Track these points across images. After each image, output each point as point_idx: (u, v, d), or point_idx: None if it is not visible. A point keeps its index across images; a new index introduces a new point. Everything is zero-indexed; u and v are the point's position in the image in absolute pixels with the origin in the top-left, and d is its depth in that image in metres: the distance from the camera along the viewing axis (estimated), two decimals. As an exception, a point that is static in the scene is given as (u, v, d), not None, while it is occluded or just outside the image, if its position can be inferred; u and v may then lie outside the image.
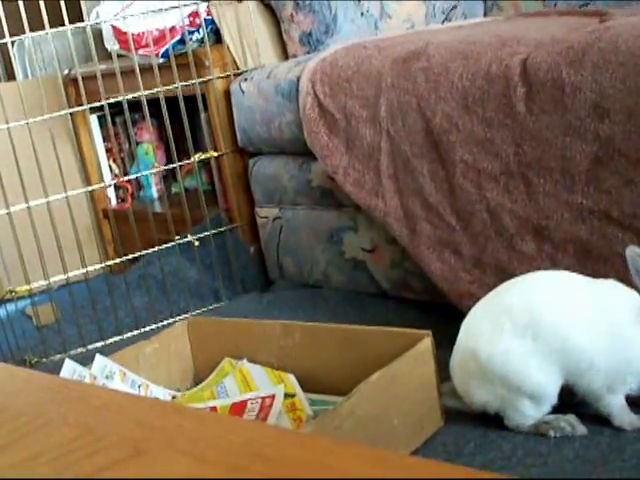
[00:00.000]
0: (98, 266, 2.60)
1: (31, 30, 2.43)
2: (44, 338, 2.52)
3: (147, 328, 2.53)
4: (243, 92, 2.58)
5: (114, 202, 3.29)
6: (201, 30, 2.70)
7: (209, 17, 2.73)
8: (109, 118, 2.61)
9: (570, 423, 1.58)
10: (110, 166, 3.28)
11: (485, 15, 2.98)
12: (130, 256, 2.62)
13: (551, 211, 1.86)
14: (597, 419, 1.60)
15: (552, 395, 1.58)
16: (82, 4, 3.30)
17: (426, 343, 1.65)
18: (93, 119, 3.19)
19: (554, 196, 1.86)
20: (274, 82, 2.48)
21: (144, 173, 2.88)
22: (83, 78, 2.53)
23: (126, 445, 0.79)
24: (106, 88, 2.53)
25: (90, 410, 0.91)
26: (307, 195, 2.48)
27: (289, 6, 2.72)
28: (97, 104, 2.57)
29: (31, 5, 2.41)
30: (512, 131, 1.90)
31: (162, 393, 1.90)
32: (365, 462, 0.72)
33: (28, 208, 2.44)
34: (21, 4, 2.37)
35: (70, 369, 1.82)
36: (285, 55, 2.80)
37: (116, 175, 3.25)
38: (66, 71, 3.00)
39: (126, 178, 3.05)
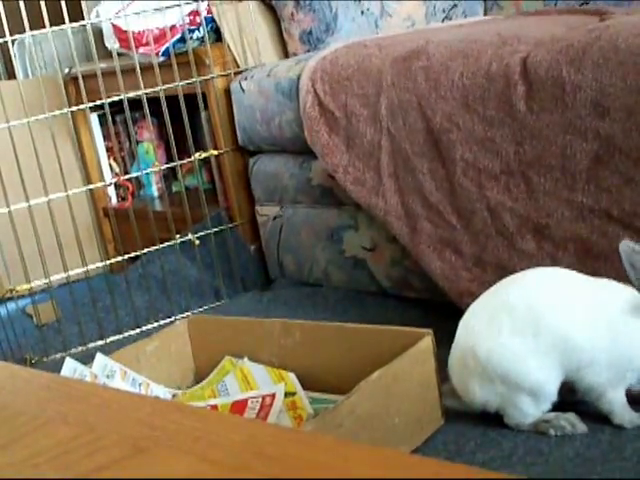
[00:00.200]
0: (98, 265, 2.60)
1: (31, 29, 2.43)
2: (44, 337, 2.53)
3: (147, 327, 2.53)
4: (243, 91, 2.58)
5: (114, 201, 3.29)
6: (201, 29, 2.70)
7: (209, 15, 2.73)
8: (109, 117, 2.61)
9: (570, 422, 1.58)
10: (110, 165, 3.28)
11: (485, 14, 2.98)
12: (130, 255, 2.62)
13: (551, 210, 1.86)
14: (597, 417, 1.60)
15: (552, 392, 1.58)
16: (82, 3, 3.31)
17: (427, 342, 1.65)
18: (93, 118, 3.19)
19: (554, 195, 1.86)
20: (274, 81, 2.48)
21: (144, 172, 2.88)
22: (83, 77, 2.53)
23: (126, 444, 0.79)
24: (106, 87, 2.53)
25: (90, 409, 0.91)
26: (307, 194, 2.48)
27: (289, 5, 2.72)
28: (97, 103, 2.57)
29: (31, 4, 2.42)
30: (512, 130, 1.90)
31: (163, 392, 1.90)
32: (366, 461, 0.72)
33: (29, 207, 2.44)
34: (21, 3, 2.37)
35: (71, 368, 1.82)
36: (285, 54, 2.79)
37: (116, 174, 3.25)
38: (66, 70, 3.00)
39: (126, 177, 3.05)
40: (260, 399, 1.74)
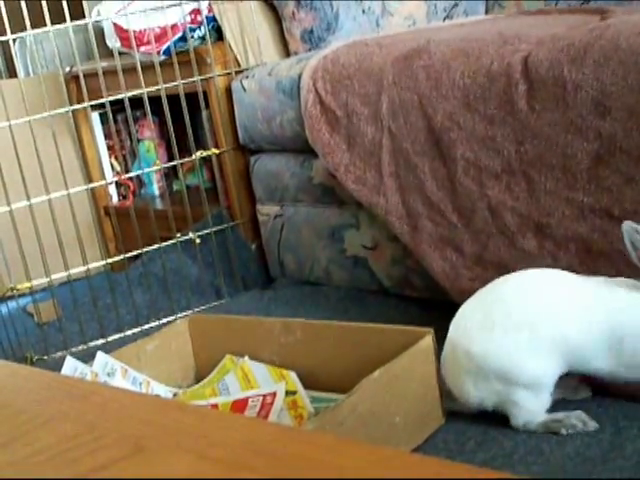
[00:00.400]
0: (99, 263, 2.60)
1: (33, 27, 2.43)
2: (45, 335, 2.53)
3: (148, 325, 2.54)
4: (244, 89, 2.58)
5: (115, 199, 3.29)
6: (202, 27, 2.70)
7: (210, 14, 2.73)
8: (110, 115, 2.61)
9: (581, 419, 1.59)
10: (111, 163, 3.28)
11: (486, 13, 2.98)
12: (131, 253, 2.62)
13: (552, 209, 1.86)
14: (598, 417, 1.60)
15: (550, 385, 1.59)
16: (84, 2, 3.31)
17: (427, 340, 1.66)
18: (94, 116, 3.19)
19: (555, 194, 1.86)
20: (275, 79, 2.48)
21: (145, 170, 2.89)
22: (84, 75, 2.53)
23: (127, 442, 0.79)
24: (108, 85, 2.54)
25: (91, 407, 0.91)
26: (308, 192, 2.48)
27: (290, 3, 2.72)
28: (98, 101, 2.57)
29: (33, 3, 2.42)
30: (513, 129, 1.90)
31: (163, 390, 1.91)
32: (366, 459, 0.72)
33: (29, 205, 2.44)
34: (23, 2, 2.37)
35: (71, 366, 1.82)
36: (286, 52, 2.79)
37: (117, 172, 3.25)
38: (67, 68, 3.00)
39: (127, 175, 3.05)
40: (261, 398, 1.74)
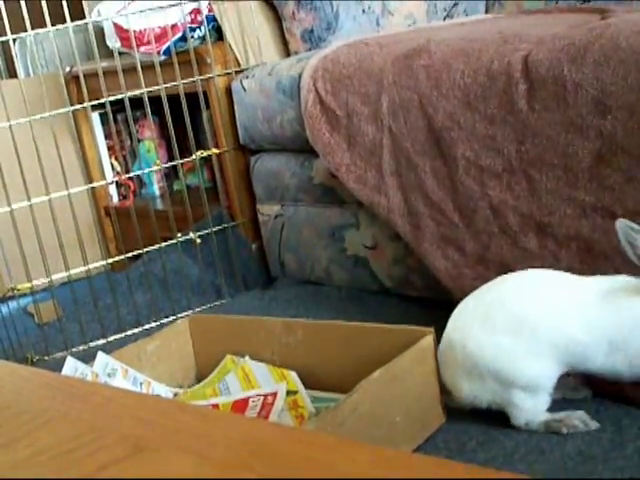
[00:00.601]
0: (100, 263, 2.60)
1: (33, 28, 2.43)
2: (46, 335, 2.53)
3: (149, 325, 2.54)
4: (245, 89, 2.58)
5: (116, 199, 3.29)
6: (203, 27, 2.70)
7: (210, 14, 2.73)
8: (111, 116, 2.61)
9: (582, 419, 1.59)
10: (112, 164, 3.28)
11: (487, 12, 2.98)
12: (132, 254, 2.62)
13: (553, 208, 1.86)
14: (599, 416, 1.60)
15: (548, 386, 1.59)
16: (83, 2, 3.31)
17: (428, 340, 1.66)
18: (95, 117, 3.19)
19: (556, 193, 1.86)
20: (276, 79, 2.48)
21: (146, 171, 2.89)
22: (85, 76, 2.53)
23: (128, 443, 0.79)
24: (108, 86, 2.54)
25: (92, 408, 0.91)
26: (309, 192, 2.48)
27: (291, 3, 2.72)
28: (99, 101, 2.57)
29: (33, 3, 2.42)
30: (514, 128, 1.90)
31: (164, 390, 1.91)
32: (367, 459, 0.72)
33: (30, 205, 2.44)
34: (23, 2, 2.37)
35: (72, 367, 1.82)
36: (287, 52, 2.79)
37: (118, 172, 3.25)
38: (68, 69, 3.01)
39: (128, 175, 3.05)
40: (261, 398, 1.74)
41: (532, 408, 1.59)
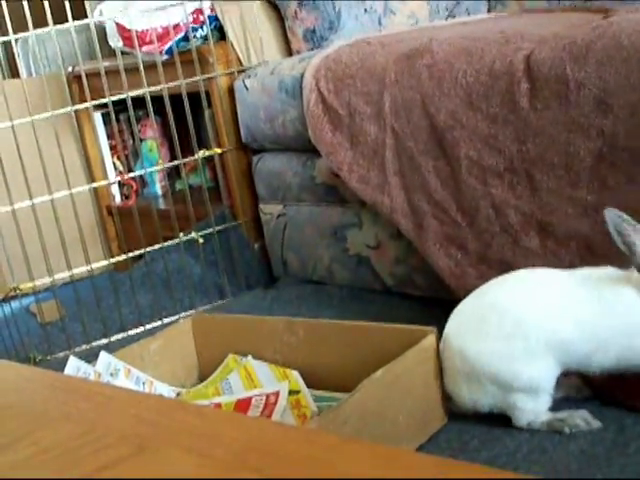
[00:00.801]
0: (102, 263, 2.61)
1: (35, 27, 2.43)
2: (48, 335, 2.53)
3: (151, 325, 2.54)
4: (247, 89, 2.58)
5: (118, 199, 3.29)
6: (205, 27, 2.70)
7: (213, 14, 2.73)
8: (113, 115, 2.61)
9: (584, 419, 1.59)
10: (114, 163, 3.28)
11: (489, 11, 2.98)
12: (134, 253, 2.63)
13: (554, 207, 1.86)
14: (602, 416, 1.60)
15: (548, 386, 1.59)
16: (85, 2, 3.31)
17: (430, 339, 1.66)
18: (97, 116, 3.19)
19: (557, 192, 1.86)
20: (278, 79, 2.48)
21: (148, 170, 2.89)
22: (87, 75, 2.53)
23: (130, 442, 0.80)
24: (110, 85, 2.54)
25: (94, 407, 0.91)
26: (311, 192, 2.48)
27: (293, 3, 2.72)
28: (101, 101, 2.57)
29: (35, 2, 2.42)
30: (516, 127, 1.90)
31: (167, 390, 1.91)
32: (370, 458, 0.73)
33: (32, 205, 2.44)
34: (25, 2, 2.37)
35: (74, 366, 1.82)
36: (289, 52, 2.79)
37: (120, 172, 3.25)
38: (70, 68, 3.01)
39: (130, 175, 3.05)
40: (264, 397, 1.74)
41: (533, 409, 1.60)
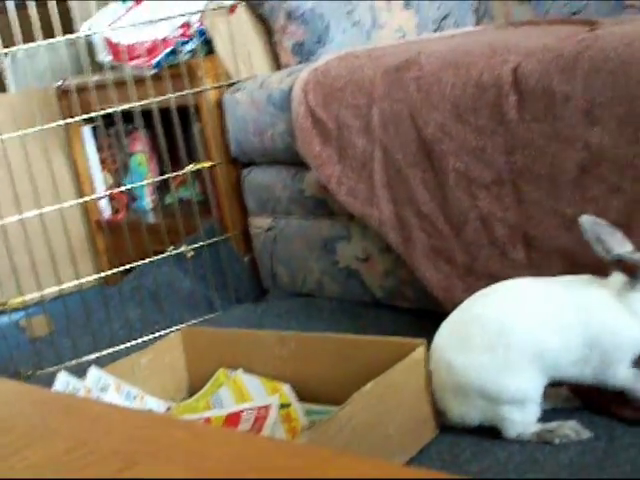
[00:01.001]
0: (92, 277, 2.60)
1: (23, 42, 2.43)
2: (38, 350, 2.52)
3: (141, 339, 2.53)
4: (236, 102, 2.58)
5: (108, 213, 3.28)
6: (193, 41, 2.70)
7: (201, 28, 2.74)
8: (102, 129, 2.61)
9: (574, 429, 1.59)
10: (104, 177, 3.28)
11: (476, 24, 2.99)
12: (124, 267, 2.62)
13: (539, 220, 1.87)
14: (592, 425, 1.60)
15: (536, 397, 1.60)
16: (74, 16, 3.31)
17: (420, 352, 1.66)
18: (86, 130, 3.18)
19: (541, 204, 1.86)
20: (266, 92, 2.48)
21: (138, 184, 2.89)
22: (76, 90, 2.53)
23: (119, 458, 0.79)
24: (99, 99, 2.54)
25: (84, 423, 0.91)
26: (300, 205, 2.48)
27: (281, 17, 2.72)
28: (90, 115, 2.57)
29: (23, 17, 2.42)
30: (503, 139, 1.90)
31: (157, 404, 1.90)
32: (361, 472, 0.73)
33: (21, 220, 2.44)
34: (13, 17, 2.37)
35: (64, 381, 1.82)
36: (277, 65, 2.80)
37: (110, 186, 3.24)
38: (59, 83, 3.00)
39: (119, 189, 3.05)
40: (255, 411, 1.74)
41: (522, 421, 1.60)
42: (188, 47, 2.72)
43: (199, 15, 2.73)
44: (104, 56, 2.76)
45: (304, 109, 2.29)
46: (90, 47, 2.88)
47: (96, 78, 2.59)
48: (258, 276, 2.73)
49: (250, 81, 2.61)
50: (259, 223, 2.64)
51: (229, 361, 1.96)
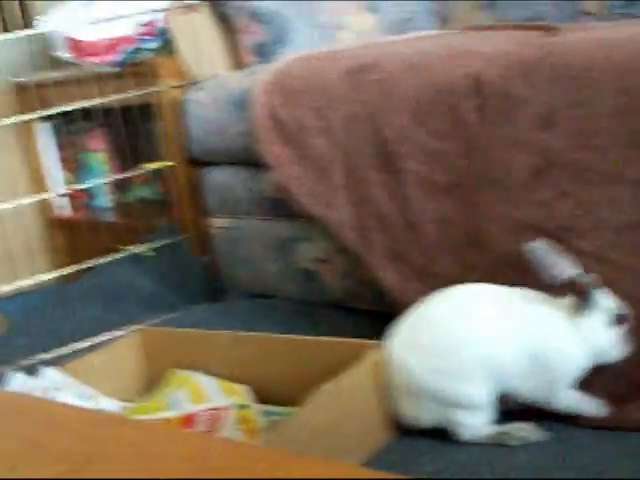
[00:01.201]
0: (49, 276, 2.58)
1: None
2: (-7, 349, 2.50)
3: (99, 339, 2.51)
4: (197, 102, 2.57)
5: (66, 211, 3.26)
6: (156, 39, 2.69)
7: (164, 26, 2.72)
8: (61, 127, 2.59)
9: (529, 431, 1.60)
10: (63, 175, 3.25)
11: (438, 28, 3.00)
12: (82, 266, 2.60)
13: (492, 223, 1.88)
14: (548, 427, 1.61)
15: (487, 402, 1.60)
16: (33, 11, 3.28)
17: (377, 353, 1.66)
18: (45, 127, 3.16)
19: (494, 209, 1.87)
20: (227, 92, 2.48)
21: (96, 182, 2.87)
22: (35, 86, 2.51)
23: (72, 458, 0.79)
24: (58, 96, 2.52)
25: (37, 423, 0.90)
26: (260, 205, 2.48)
27: (244, 16, 2.72)
28: (49, 112, 2.55)
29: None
30: (462, 143, 1.91)
31: (112, 405, 1.89)
32: (317, 473, 0.72)
33: (-23, 217, 2.42)
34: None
35: (19, 381, 1.80)
36: (239, 65, 2.79)
37: (69, 184, 3.22)
38: (17, 79, 2.98)
39: (78, 187, 3.03)
40: (211, 412, 1.73)
41: (475, 424, 1.61)
42: (150, 45, 2.71)
43: (162, 14, 2.72)
44: (64, 52, 2.73)
45: (265, 109, 2.29)
46: (50, 43, 2.85)
47: (56, 74, 2.57)
48: (217, 277, 2.72)
49: (211, 81, 2.60)
50: (219, 223, 2.63)
51: (186, 362, 1.95)
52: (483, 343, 1.58)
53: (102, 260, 2.59)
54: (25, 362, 2.42)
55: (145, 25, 2.69)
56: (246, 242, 2.56)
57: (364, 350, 1.66)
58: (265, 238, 2.50)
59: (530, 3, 2.77)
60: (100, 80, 2.58)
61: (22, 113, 2.75)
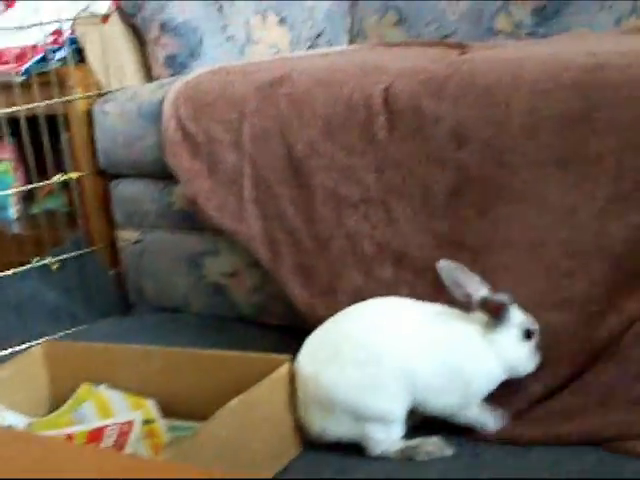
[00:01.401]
0: (-49, 288, 2.53)
1: None
2: None
3: (1, 353, 2.47)
4: (106, 113, 2.55)
5: (-30, 223, 3.20)
6: (64, 49, 2.65)
7: (73, 36, 2.69)
8: (-34, 136, 2.54)
9: (437, 445, 1.61)
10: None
11: (350, 43, 3.02)
12: (-14, 278, 2.55)
13: (410, 238, 1.89)
14: (456, 442, 1.63)
15: (400, 416, 1.62)
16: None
17: (285, 368, 1.66)
18: (-51, 137, 3.10)
19: (413, 223, 1.89)
20: (137, 104, 2.46)
21: (2, 193, 2.82)
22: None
23: (-28, 475, 0.77)
24: (-37, 105, 2.47)
25: None
26: (169, 218, 2.46)
27: (155, 28, 2.70)
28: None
29: None
30: (373, 158, 1.93)
31: (17, 420, 1.85)
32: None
33: None
34: None
35: None
36: (149, 77, 2.77)
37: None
38: None
39: (-17, 198, 2.98)
40: (118, 427, 1.71)
41: (386, 439, 1.61)
42: (59, 55, 2.67)
43: (71, 23, 2.69)
44: (-32, 60, 2.68)
45: (174, 122, 2.27)
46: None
47: (-40, 83, 2.52)
48: (124, 290, 2.69)
49: (120, 92, 2.58)
50: (126, 236, 2.61)
51: (93, 376, 1.92)
52: (399, 357, 1.59)
53: (7, 273, 2.54)
54: None
55: (52, 34, 2.66)
56: (154, 255, 2.54)
57: (274, 365, 1.66)
58: (174, 251, 2.48)
59: (442, 20, 2.82)
60: (7, 89, 2.54)
61: None
